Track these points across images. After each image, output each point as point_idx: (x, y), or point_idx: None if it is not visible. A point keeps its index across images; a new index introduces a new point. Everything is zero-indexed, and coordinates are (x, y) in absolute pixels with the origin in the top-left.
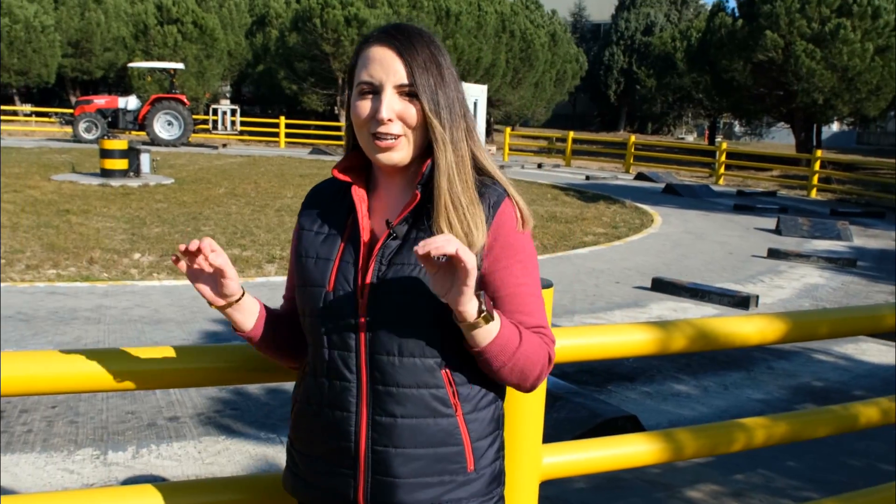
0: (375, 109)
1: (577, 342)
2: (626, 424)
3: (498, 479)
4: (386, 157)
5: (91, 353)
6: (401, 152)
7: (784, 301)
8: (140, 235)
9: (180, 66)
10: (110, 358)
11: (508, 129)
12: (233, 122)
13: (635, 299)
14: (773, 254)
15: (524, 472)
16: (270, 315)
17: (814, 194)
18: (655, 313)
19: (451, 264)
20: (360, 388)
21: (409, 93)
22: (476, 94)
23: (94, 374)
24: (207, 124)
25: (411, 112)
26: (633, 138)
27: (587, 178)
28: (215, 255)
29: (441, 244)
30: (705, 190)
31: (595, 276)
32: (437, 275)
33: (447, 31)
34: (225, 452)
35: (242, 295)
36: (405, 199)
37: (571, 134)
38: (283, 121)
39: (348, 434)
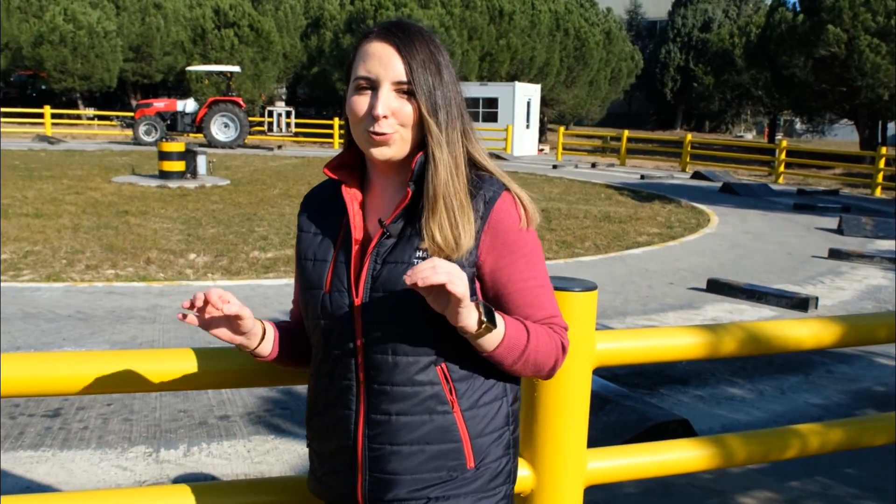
0: (372, 106)
1: (628, 345)
2: (678, 429)
3: (505, 476)
4: (379, 152)
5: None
6: (394, 147)
7: (845, 303)
8: (196, 236)
9: (237, 69)
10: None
11: (562, 129)
12: (288, 124)
13: (689, 301)
14: (835, 254)
15: (568, 477)
16: (283, 332)
17: (878, 193)
18: (710, 315)
19: (443, 288)
20: (358, 388)
21: (407, 91)
22: (529, 93)
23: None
24: (263, 126)
25: (407, 110)
26: (689, 136)
27: (642, 177)
28: (228, 305)
29: (427, 275)
30: (764, 189)
31: (648, 276)
32: (431, 296)
33: (500, 31)
34: (274, 452)
35: (263, 331)
36: (399, 196)
37: (626, 132)
38: (337, 122)
39: (349, 432)
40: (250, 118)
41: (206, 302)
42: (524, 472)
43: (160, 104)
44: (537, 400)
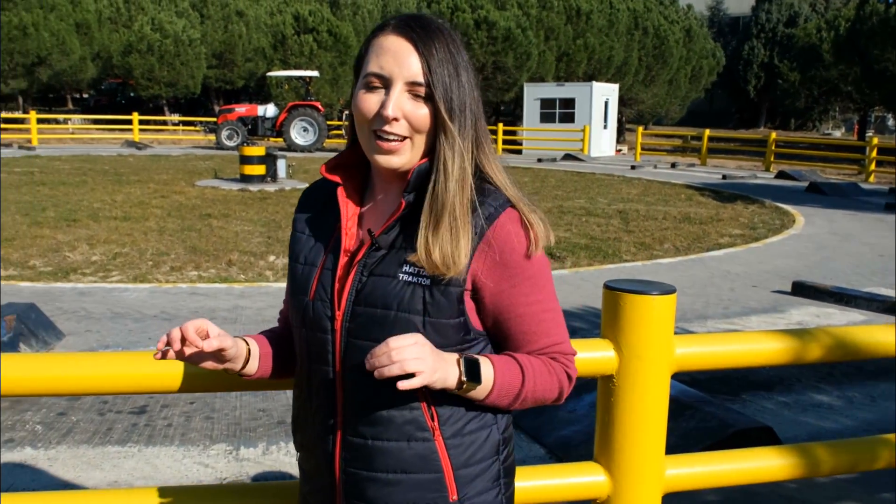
0: (382, 105)
1: (708, 350)
2: (761, 436)
3: None
4: (385, 160)
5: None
6: (402, 156)
7: None
8: (275, 238)
9: (315, 73)
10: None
11: (640, 129)
12: None
13: (774, 304)
14: None
15: (645, 484)
16: (272, 346)
17: None
18: (796, 319)
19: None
20: (335, 406)
21: (422, 93)
22: (607, 93)
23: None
24: (341, 130)
25: (420, 114)
26: (773, 135)
27: (724, 177)
28: (208, 341)
29: (383, 365)
30: (853, 188)
31: (730, 279)
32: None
33: (577, 31)
34: None
35: (248, 353)
36: (391, 206)
37: (707, 132)
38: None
39: (326, 452)
40: (329, 122)
41: (184, 339)
42: (599, 477)
43: (241, 109)
44: (613, 405)
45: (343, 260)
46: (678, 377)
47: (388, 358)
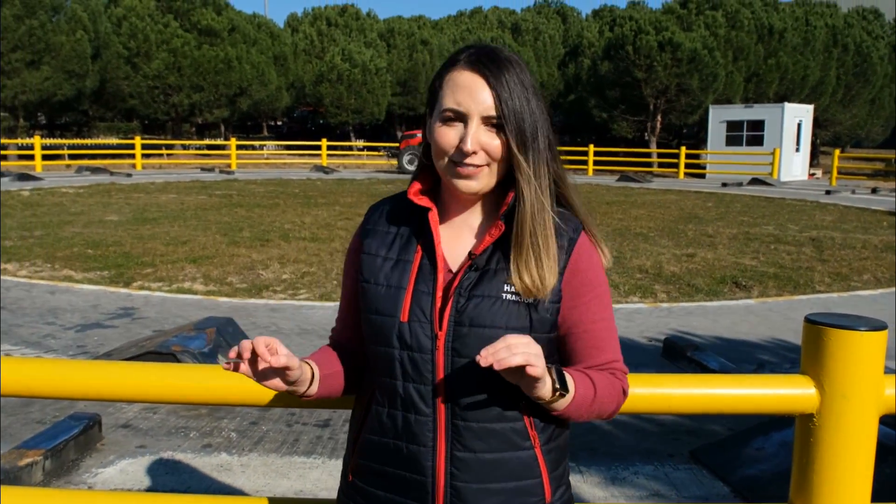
0: (461, 140)
1: None
2: None
3: None
4: (465, 185)
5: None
6: (481, 181)
7: None
8: None
9: None
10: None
11: (837, 151)
12: None
13: None
14: None
15: None
16: (324, 367)
17: None
18: None
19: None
20: (437, 422)
21: (496, 124)
22: (800, 114)
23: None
24: None
25: (496, 144)
26: None
27: None
28: (276, 357)
29: (503, 357)
30: None
31: None
32: (505, 371)
33: (769, 50)
34: None
35: (312, 376)
36: (480, 228)
37: None
38: (591, 148)
39: (424, 469)
40: None
41: (255, 352)
42: None
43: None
44: (813, 446)
45: (440, 282)
46: (883, 420)
47: (508, 350)
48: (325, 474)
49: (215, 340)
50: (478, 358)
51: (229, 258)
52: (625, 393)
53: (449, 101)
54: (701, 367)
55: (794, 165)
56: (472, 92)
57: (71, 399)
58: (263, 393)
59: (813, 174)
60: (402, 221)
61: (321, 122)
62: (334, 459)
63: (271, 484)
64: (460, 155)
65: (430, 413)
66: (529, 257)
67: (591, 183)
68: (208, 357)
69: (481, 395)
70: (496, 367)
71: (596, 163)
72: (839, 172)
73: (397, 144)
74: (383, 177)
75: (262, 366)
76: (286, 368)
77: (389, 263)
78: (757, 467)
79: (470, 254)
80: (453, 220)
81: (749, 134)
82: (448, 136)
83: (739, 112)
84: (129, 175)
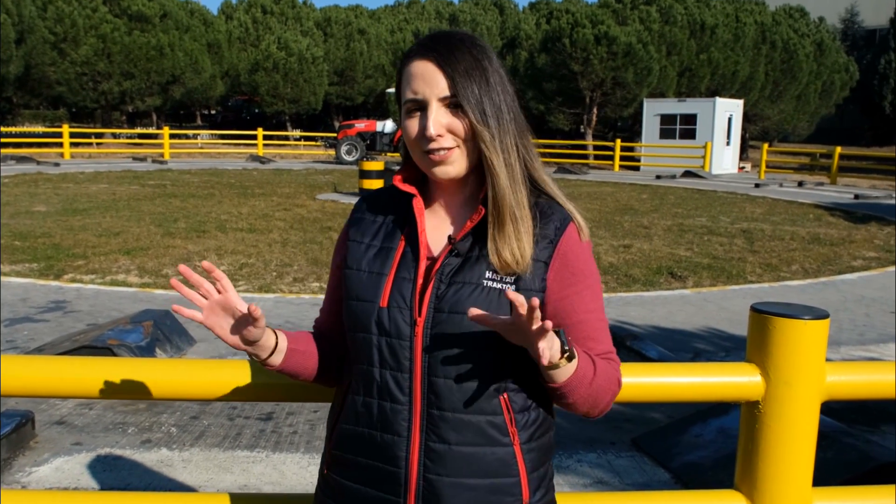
0: (423, 126)
1: (863, 378)
2: None
3: None
4: (442, 171)
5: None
6: (455, 165)
7: None
8: None
9: None
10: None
11: (766, 145)
12: None
13: None
14: None
15: None
16: (294, 342)
17: None
18: None
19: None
20: (412, 412)
21: (455, 104)
22: (731, 109)
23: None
24: None
25: (459, 124)
26: None
27: (856, 196)
28: (250, 308)
29: (553, 355)
30: None
31: (865, 304)
32: (510, 332)
33: (701, 45)
34: None
35: (275, 345)
36: (462, 214)
37: (839, 149)
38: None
39: (397, 459)
40: None
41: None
42: None
43: (361, 125)
44: (758, 432)
45: (422, 268)
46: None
47: (551, 349)
48: (269, 468)
49: (153, 333)
50: (511, 297)
51: (164, 249)
52: (619, 384)
53: (408, 93)
54: (640, 356)
55: (724, 159)
56: (425, 78)
57: (1, 396)
58: (204, 386)
59: (742, 167)
60: (388, 210)
61: (256, 111)
62: (278, 453)
63: (214, 479)
64: (427, 141)
65: (406, 401)
66: (509, 230)
67: None
68: (146, 351)
69: (459, 385)
70: (545, 362)
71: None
72: (767, 166)
73: (335, 134)
74: (321, 167)
75: (211, 297)
76: (252, 317)
77: (373, 250)
78: (696, 454)
79: (450, 238)
80: (438, 208)
81: (682, 127)
82: (413, 126)
83: (673, 106)
84: (56, 164)
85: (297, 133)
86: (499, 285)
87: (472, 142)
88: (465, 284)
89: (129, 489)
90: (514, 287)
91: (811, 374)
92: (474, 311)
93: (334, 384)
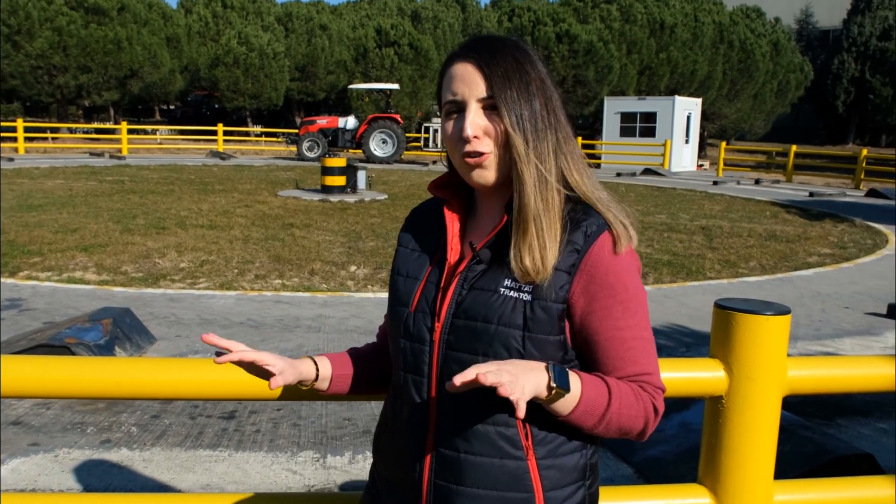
0: (460, 128)
1: (823, 373)
2: (861, 464)
3: None
4: (479, 176)
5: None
6: (490, 170)
7: None
8: (356, 249)
9: (395, 86)
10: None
11: (723, 144)
12: None
13: (868, 327)
14: None
15: None
16: (354, 363)
17: None
18: (892, 343)
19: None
20: (428, 417)
21: (492, 106)
22: (690, 107)
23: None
24: (419, 142)
25: (497, 127)
26: (864, 151)
27: (811, 194)
28: (232, 355)
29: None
30: None
31: (821, 300)
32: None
33: (661, 44)
34: None
35: (317, 373)
36: (494, 222)
37: (794, 147)
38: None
39: (413, 463)
40: (407, 134)
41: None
42: (704, 500)
43: (322, 121)
44: (722, 426)
45: (445, 272)
46: None
47: (476, 369)
48: (233, 467)
49: (112, 332)
50: (448, 385)
51: (123, 246)
52: (657, 412)
53: (447, 95)
54: None
55: (683, 157)
56: (464, 79)
57: None
58: (164, 386)
59: (701, 165)
60: (432, 217)
61: (217, 106)
62: (241, 452)
63: (176, 479)
64: (464, 143)
65: (423, 406)
66: (532, 238)
67: None
68: (105, 349)
69: (468, 394)
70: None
71: None
72: (725, 164)
73: (297, 131)
74: (282, 163)
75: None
76: (253, 363)
77: (415, 255)
78: (658, 448)
79: (471, 245)
80: (479, 215)
81: (642, 125)
82: (451, 128)
83: (633, 104)
84: (10, 159)
85: (258, 129)
86: (516, 294)
87: (506, 148)
88: (483, 291)
89: (89, 490)
90: (530, 297)
91: (773, 369)
92: (455, 383)
93: (377, 390)
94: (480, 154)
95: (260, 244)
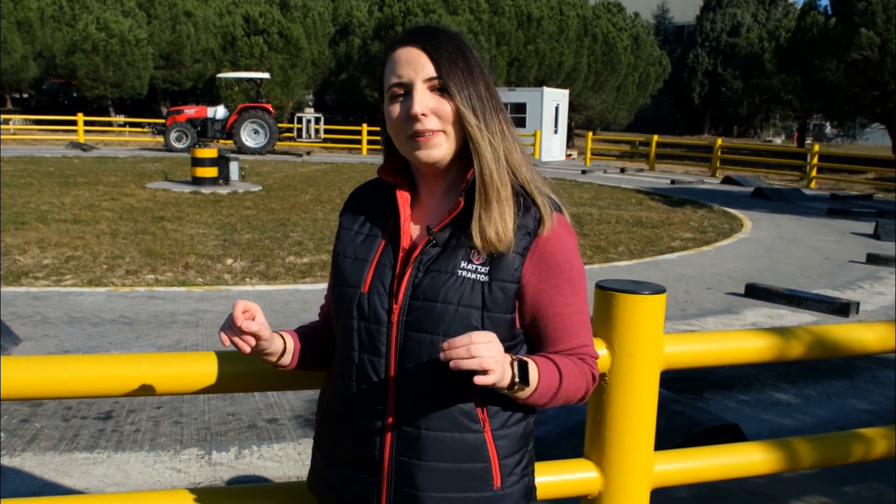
0: (408, 108)
1: (697, 348)
2: (728, 434)
3: (527, 495)
4: (426, 154)
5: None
6: (440, 148)
7: (886, 308)
8: (232, 241)
9: (266, 75)
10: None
11: (590, 134)
12: (317, 130)
13: (728, 306)
14: (873, 259)
15: (636, 480)
16: (305, 338)
17: None
18: (750, 320)
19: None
20: (387, 395)
21: (440, 87)
22: (558, 98)
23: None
24: (292, 132)
25: (445, 108)
26: (719, 141)
27: (672, 182)
28: (248, 323)
29: (460, 356)
30: (796, 194)
31: (685, 281)
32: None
33: (528, 36)
34: None
35: (284, 346)
36: (445, 205)
37: (656, 137)
38: (365, 128)
39: (373, 441)
40: (279, 124)
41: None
42: (591, 473)
43: (191, 111)
44: (605, 402)
45: (401, 256)
46: None
47: (468, 351)
48: (112, 469)
49: None
50: (441, 350)
51: None
52: (595, 379)
53: (392, 78)
54: None
55: (553, 146)
56: (409, 62)
57: None
58: (28, 386)
59: (569, 155)
60: (376, 200)
61: (75, 95)
62: (120, 453)
63: (51, 485)
64: (412, 123)
65: (381, 386)
66: (494, 211)
67: (367, 162)
68: None
69: (429, 373)
70: (452, 366)
71: (370, 142)
72: (592, 153)
73: (163, 121)
74: (149, 154)
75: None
76: (256, 336)
77: (360, 237)
78: (542, 428)
79: (428, 229)
80: (423, 198)
81: (512, 116)
82: (397, 109)
83: (503, 95)
84: None
85: (122, 119)
86: (473, 275)
87: (457, 126)
88: (440, 273)
89: None
90: (487, 278)
91: (652, 346)
92: (443, 355)
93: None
94: (430, 132)
95: (129, 238)
